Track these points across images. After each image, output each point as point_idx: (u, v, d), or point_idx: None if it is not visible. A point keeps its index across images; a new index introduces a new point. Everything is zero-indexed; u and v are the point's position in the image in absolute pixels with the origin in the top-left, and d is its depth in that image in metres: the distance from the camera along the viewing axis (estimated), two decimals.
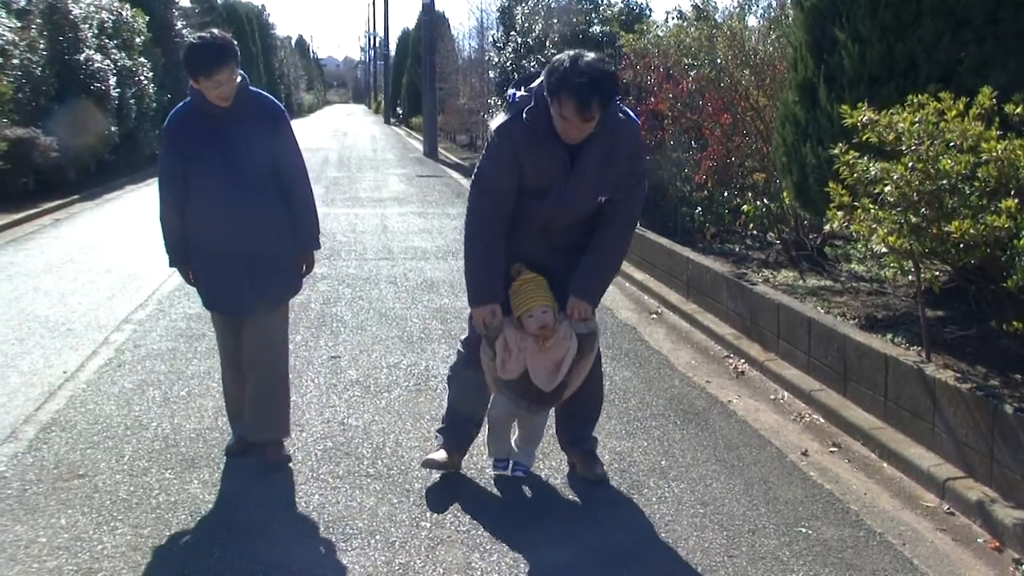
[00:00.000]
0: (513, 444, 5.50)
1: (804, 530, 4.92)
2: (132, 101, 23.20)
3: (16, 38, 18.64)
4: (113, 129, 21.44)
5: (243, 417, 5.87)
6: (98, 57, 21.04)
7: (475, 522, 4.98)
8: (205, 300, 5.88)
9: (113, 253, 13.18)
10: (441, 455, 5.49)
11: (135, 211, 17.45)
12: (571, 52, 4.81)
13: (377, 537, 4.79)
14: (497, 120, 5.06)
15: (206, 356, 7.91)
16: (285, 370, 5.92)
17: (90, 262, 12.47)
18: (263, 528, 4.91)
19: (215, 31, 5.71)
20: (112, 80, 21.35)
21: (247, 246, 5.55)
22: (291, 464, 5.72)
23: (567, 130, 4.77)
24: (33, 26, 19.30)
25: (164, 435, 6.20)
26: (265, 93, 5.87)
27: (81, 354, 8.11)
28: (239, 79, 5.52)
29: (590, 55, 4.78)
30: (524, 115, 4.86)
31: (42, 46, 19.33)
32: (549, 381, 5.08)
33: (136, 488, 5.39)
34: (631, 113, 5.13)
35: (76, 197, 18.79)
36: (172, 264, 5.80)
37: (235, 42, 5.61)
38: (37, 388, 7.21)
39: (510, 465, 5.49)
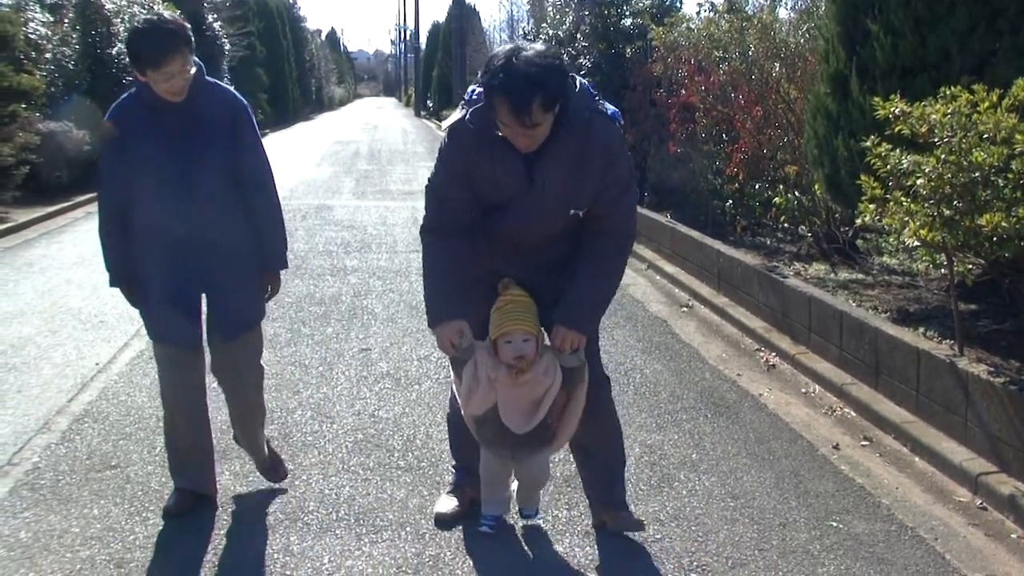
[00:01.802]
0: (514, 493, 4.87)
1: (835, 524, 4.90)
2: None
3: (49, 32, 18.78)
4: None
5: (190, 467, 5.11)
6: None
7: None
8: (152, 330, 5.00)
9: None
10: (451, 504, 4.94)
11: None
12: (510, 45, 4.10)
13: (408, 529, 4.80)
14: (451, 118, 4.37)
15: None
16: (263, 399, 5.41)
17: None
18: (294, 519, 4.93)
19: (163, 12, 4.99)
20: None
21: (202, 266, 4.85)
22: (320, 457, 5.73)
23: (513, 137, 4.08)
24: (66, 20, 19.44)
25: None
26: (225, 85, 5.16)
27: (113, 346, 8.16)
28: (194, 70, 4.76)
29: (533, 47, 4.03)
30: (467, 117, 4.21)
31: (74, 40, 19.46)
32: (522, 422, 4.33)
33: (168, 479, 5.39)
34: (609, 109, 4.34)
35: None
36: (113, 284, 5.01)
37: (187, 25, 4.83)
38: (70, 379, 7.26)
39: (497, 523, 4.80)
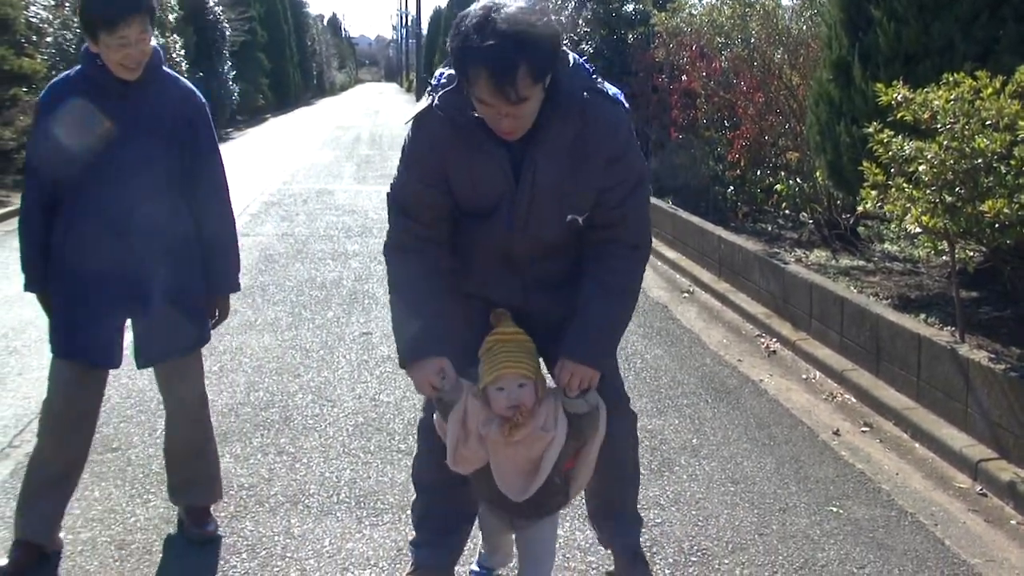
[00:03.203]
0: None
1: (835, 509, 4.91)
2: None
3: (50, 16, 18.75)
4: None
5: (39, 512, 4.35)
6: None
7: None
8: (60, 344, 4.26)
9: None
10: None
11: None
12: (484, 3, 3.19)
13: (408, 512, 4.80)
14: (415, 109, 3.54)
15: (238, 332, 7.94)
16: (210, 428, 4.78)
17: None
18: (295, 502, 4.94)
19: None
20: None
21: (134, 277, 4.19)
22: (321, 440, 5.74)
23: (494, 120, 3.23)
24: (67, 4, 19.39)
25: None
26: (183, 78, 4.47)
27: None
28: (152, 48, 4.14)
29: (514, 4, 3.14)
30: (435, 103, 3.38)
31: (76, 24, 19.39)
32: (520, 487, 3.48)
33: None
34: (611, 90, 3.49)
35: None
36: (28, 288, 4.39)
37: None
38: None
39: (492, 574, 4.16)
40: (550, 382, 3.56)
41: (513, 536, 3.94)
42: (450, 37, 3.21)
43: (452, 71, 3.31)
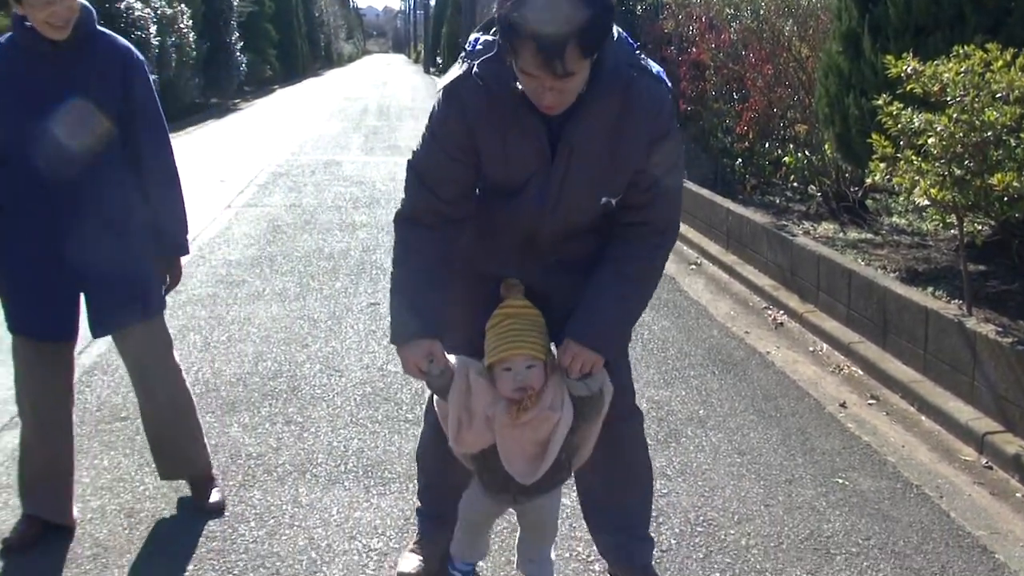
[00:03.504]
0: (516, 550, 3.91)
1: (841, 481, 4.92)
2: (172, 49, 23.20)
3: None
4: (153, 78, 21.38)
5: (39, 490, 4.34)
6: (138, 5, 20.98)
7: None
8: (12, 320, 4.19)
9: None
10: (414, 563, 4.00)
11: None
12: None
13: (415, 481, 4.83)
14: (447, 77, 3.32)
15: (246, 302, 7.97)
16: (186, 399, 4.62)
17: None
18: (303, 471, 4.96)
19: None
20: (152, 28, 21.32)
21: (79, 247, 4.04)
22: (329, 410, 5.76)
23: (537, 93, 3.03)
24: None
25: (204, 379, 6.26)
26: (117, 36, 4.25)
27: None
28: (80, 5, 3.97)
29: None
30: (474, 70, 3.17)
31: None
32: (528, 470, 3.34)
33: None
34: (655, 68, 3.30)
35: None
36: None
37: None
38: (79, 332, 7.27)
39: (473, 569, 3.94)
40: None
41: (490, 530, 3.90)
42: (498, 3, 2.99)
43: (489, 37, 3.18)
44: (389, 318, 3.36)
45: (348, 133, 21.83)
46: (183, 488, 4.78)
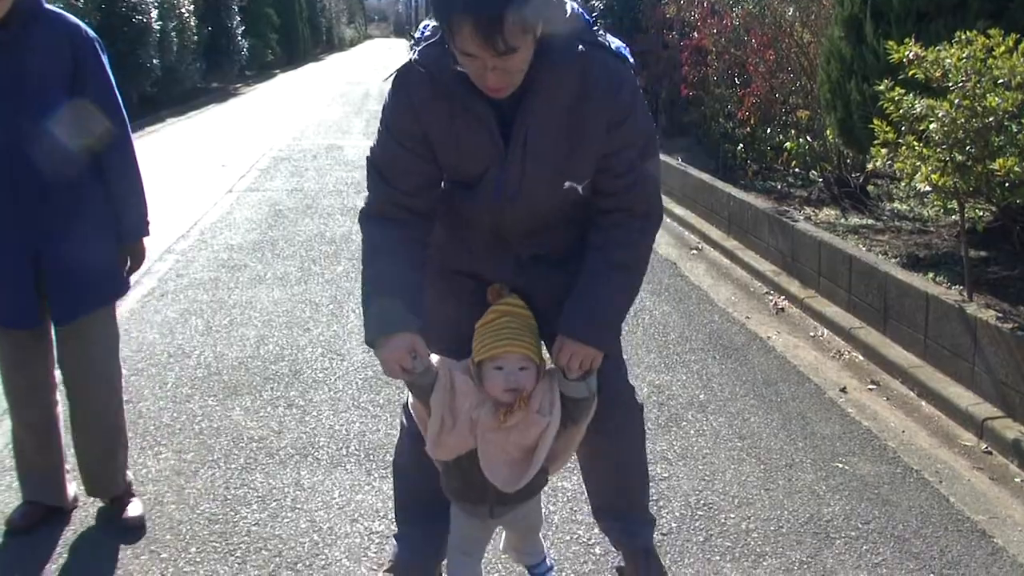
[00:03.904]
0: (502, 549, 3.78)
1: (841, 465, 4.94)
2: (173, 34, 23.14)
3: None
4: (154, 62, 21.41)
5: (35, 477, 4.34)
6: None
7: None
8: None
9: (154, 184, 13.18)
10: None
11: (176, 144, 17.54)
12: None
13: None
14: (396, 65, 3.14)
15: (248, 286, 7.99)
16: (119, 407, 4.42)
17: None
18: (305, 454, 4.98)
19: None
20: (154, 13, 21.25)
21: (33, 232, 3.93)
22: (331, 393, 5.77)
23: (479, 75, 2.83)
24: None
25: (207, 363, 6.28)
26: (68, 14, 4.08)
27: None
28: None
29: None
30: (416, 58, 3.01)
31: None
32: (510, 477, 3.14)
33: (179, 414, 5.48)
34: (614, 43, 3.11)
35: None
36: None
37: None
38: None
39: None
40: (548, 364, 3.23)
41: (482, 551, 3.58)
42: None
43: (435, 22, 2.96)
44: (363, 318, 3.07)
45: (350, 117, 21.82)
46: (187, 472, 4.80)
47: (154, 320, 7.18)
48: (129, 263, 4.27)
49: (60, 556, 4.11)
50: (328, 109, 23.76)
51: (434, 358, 3.08)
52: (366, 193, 3.22)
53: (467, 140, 3.05)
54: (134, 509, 4.39)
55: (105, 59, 4.08)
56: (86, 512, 4.44)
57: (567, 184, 3.11)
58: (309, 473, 4.79)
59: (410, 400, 3.26)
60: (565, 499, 4.40)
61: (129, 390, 5.74)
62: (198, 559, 4.06)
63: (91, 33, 4.05)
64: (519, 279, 3.28)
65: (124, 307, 7.48)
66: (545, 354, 3.20)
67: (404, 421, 3.60)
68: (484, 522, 3.37)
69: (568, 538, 4.22)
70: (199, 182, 13.34)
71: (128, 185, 4.16)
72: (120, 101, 4.13)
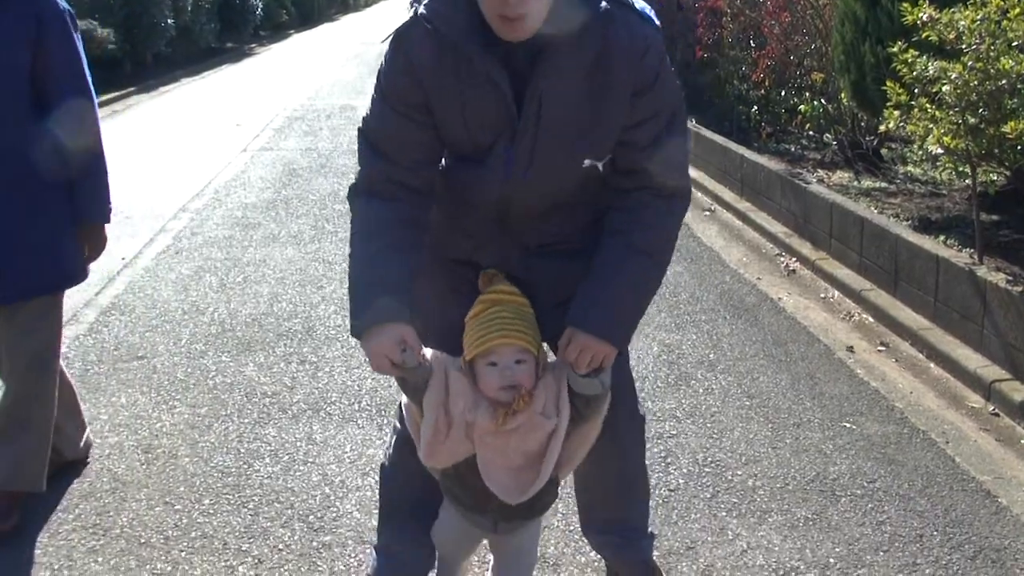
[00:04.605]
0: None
1: (849, 425, 4.97)
2: None
3: None
4: (169, 22, 21.37)
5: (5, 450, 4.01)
6: None
7: None
8: None
9: (169, 144, 13.29)
10: None
11: (190, 103, 17.55)
12: None
13: None
14: (394, 24, 2.80)
15: (262, 244, 8.03)
16: (41, 402, 4.04)
17: (146, 152, 12.57)
18: (317, 409, 5.03)
19: None
20: None
21: None
22: (343, 350, 5.82)
23: (492, 10, 2.52)
24: None
25: (220, 320, 6.33)
26: None
27: (139, 241, 8.25)
28: None
29: None
30: (421, 11, 2.70)
31: None
32: (514, 486, 2.80)
33: (193, 370, 5.54)
34: (639, 4, 2.76)
35: (132, 89, 18.86)
36: None
37: None
38: (96, 273, 7.31)
39: None
40: (550, 356, 2.95)
41: (467, 562, 3.42)
42: None
43: None
44: (349, 305, 2.79)
45: (364, 78, 21.74)
46: (200, 426, 4.86)
47: (168, 277, 7.23)
48: (88, 250, 4.02)
49: (75, 507, 4.17)
50: (343, 69, 23.71)
51: (428, 353, 2.78)
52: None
53: (475, 107, 2.69)
54: (5, 519, 3.96)
55: (76, 34, 3.89)
56: (100, 464, 4.51)
57: (587, 162, 2.80)
58: (321, 428, 4.85)
59: (403, 403, 3.01)
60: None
61: (144, 346, 5.83)
62: (211, 511, 4.12)
63: (62, 5, 3.84)
64: (525, 269, 2.95)
65: (139, 264, 7.56)
66: (551, 356, 2.94)
67: (396, 423, 3.29)
68: (481, 535, 3.14)
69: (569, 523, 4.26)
70: (213, 141, 13.36)
71: (91, 167, 3.91)
72: (88, 78, 3.91)
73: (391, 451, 3.36)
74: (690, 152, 2.93)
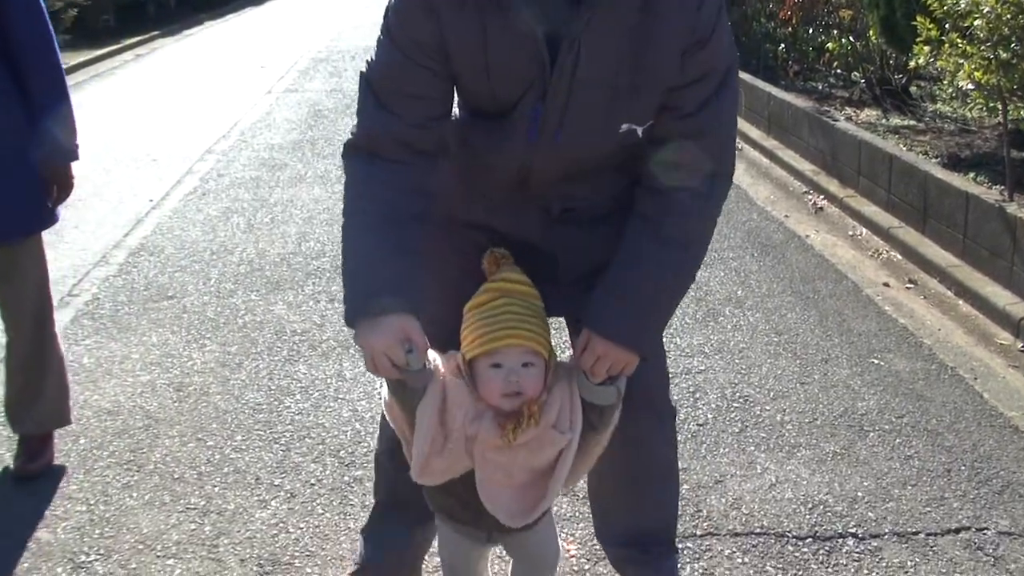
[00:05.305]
0: None
1: (876, 361, 4.97)
2: None
3: None
4: None
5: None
6: None
7: None
8: None
9: (194, 86, 13.29)
10: None
11: (214, 45, 17.54)
12: None
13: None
14: None
15: (288, 185, 8.05)
16: (52, 338, 4.02)
17: (172, 95, 12.59)
18: (347, 347, 5.05)
19: None
20: None
21: None
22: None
23: None
24: None
25: (249, 259, 6.36)
26: None
27: (166, 183, 8.28)
28: None
29: None
30: None
31: None
32: (518, 509, 2.42)
33: (223, 309, 5.57)
34: None
35: (156, 33, 18.85)
36: None
37: None
38: (124, 216, 7.40)
39: None
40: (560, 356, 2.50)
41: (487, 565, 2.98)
42: None
43: None
44: (344, 290, 2.35)
45: None
46: (231, 364, 4.90)
47: (196, 219, 7.26)
48: (56, 191, 3.83)
49: (109, 444, 4.22)
50: (366, 10, 23.51)
51: (431, 354, 2.36)
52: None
53: (501, 55, 2.28)
54: (34, 463, 4.00)
55: None
56: (133, 402, 4.55)
57: (625, 126, 2.36)
58: (351, 364, 4.87)
59: (386, 398, 2.48)
60: None
61: (174, 286, 5.87)
62: (243, 447, 4.16)
63: None
64: (546, 239, 2.56)
65: (167, 206, 7.59)
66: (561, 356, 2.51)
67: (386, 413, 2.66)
68: (484, 548, 2.79)
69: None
70: (238, 84, 13.34)
71: (54, 105, 3.75)
72: (46, 15, 3.72)
73: (382, 435, 3.02)
74: (737, 121, 2.55)
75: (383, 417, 2.79)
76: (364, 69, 2.42)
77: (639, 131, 2.37)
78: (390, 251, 2.28)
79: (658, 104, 2.36)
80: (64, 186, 3.84)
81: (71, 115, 3.81)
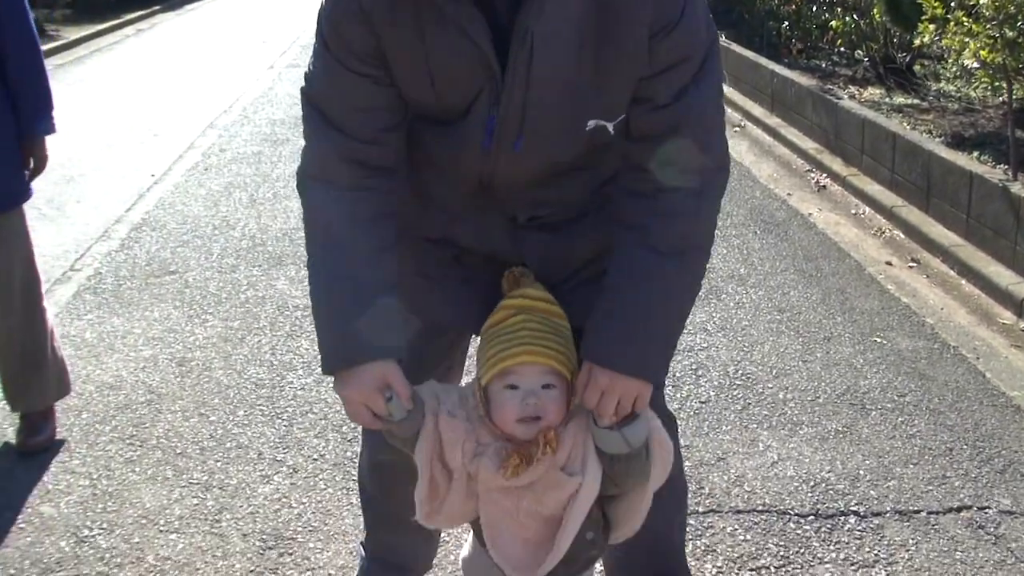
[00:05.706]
0: None
1: (879, 340, 4.96)
2: None
3: None
4: None
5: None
6: None
7: None
8: None
9: (195, 61, 13.28)
10: None
11: (215, 20, 17.49)
12: None
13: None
14: None
15: (291, 160, 8.03)
16: (42, 317, 3.98)
17: (173, 70, 12.57)
18: None
19: None
20: None
21: None
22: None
23: None
24: None
25: (251, 234, 6.36)
26: None
27: (168, 158, 8.27)
28: None
29: None
30: None
31: None
32: (525, 560, 2.14)
33: (225, 284, 5.57)
34: None
35: (157, 8, 18.85)
36: None
37: None
38: (126, 191, 7.40)
39: None
40: None
41: None
42: None
43: None
44: (316, 335, 2.13)
45: None
46: (234, 339, 4.90)
47: (198, 193, 7.25)
48: (32, 164, 3.84)
49: (112, 418, 4.22)
50: None
51: (429, 388, 2.16)
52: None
53: (443, 60, 2.01)
54: (36, 437, 4.01)
55: None
56: (136, 377, 4.55)
57: (592, 123, 2.07)
58: None
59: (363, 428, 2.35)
60: None
61: (176, 261, 5.87)
62: (246, 422, 4.17)
63: None
64: (516, 250, 2.28)
65: (169, 181, 7.59)
66: None
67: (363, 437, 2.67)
68: None
69: None
70: (240, 59, 13.32)
71: (30, 77, 3.74)
72: None
73: (361, 461, 2.83)
74: (723, 107, 2.22)
75: (362, 443, 2.73)
76: (304, 86, 2.15)
77: (610, 127, 2.08)
78: (364, 294, 2.06)
79: (628, 97, 2.06)
80: (40, 159, 3.83)
81: (47, 87, 3.80)
